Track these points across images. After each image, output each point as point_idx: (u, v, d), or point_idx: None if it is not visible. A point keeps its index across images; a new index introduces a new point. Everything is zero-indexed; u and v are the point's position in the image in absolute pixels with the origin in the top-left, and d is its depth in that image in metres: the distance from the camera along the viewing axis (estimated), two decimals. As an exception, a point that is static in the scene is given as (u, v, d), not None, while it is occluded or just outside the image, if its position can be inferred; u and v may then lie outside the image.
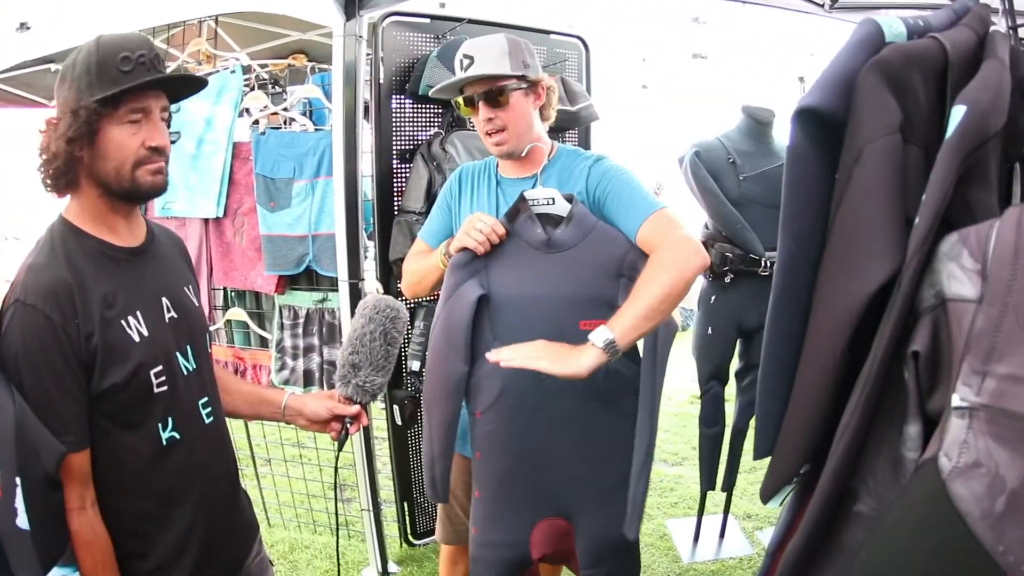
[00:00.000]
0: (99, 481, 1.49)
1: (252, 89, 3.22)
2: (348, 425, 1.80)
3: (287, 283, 3.21)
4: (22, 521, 1.38)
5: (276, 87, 3.33)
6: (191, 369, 1.60)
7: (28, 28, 3.55)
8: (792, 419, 1.04)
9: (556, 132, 2.98)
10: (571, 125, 3.12)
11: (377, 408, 3.27)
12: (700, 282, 3.08)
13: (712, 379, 3.07)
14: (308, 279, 3.21)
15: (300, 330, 3.20)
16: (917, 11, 1.27)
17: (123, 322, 1.46)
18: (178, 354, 1.57)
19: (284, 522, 3.60)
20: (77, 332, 1.40)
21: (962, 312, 0.85)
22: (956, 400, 0.85)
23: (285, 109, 3.14)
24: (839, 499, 1.03)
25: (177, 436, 1.56)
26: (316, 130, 3.10)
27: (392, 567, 3.28)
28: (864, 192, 0.90)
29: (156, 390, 1.51)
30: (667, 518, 3.74)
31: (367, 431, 3.00)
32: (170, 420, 1.55)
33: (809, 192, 1.01)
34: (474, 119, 1.96)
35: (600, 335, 1.63)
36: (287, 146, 3.05)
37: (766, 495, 1.17)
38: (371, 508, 3.12)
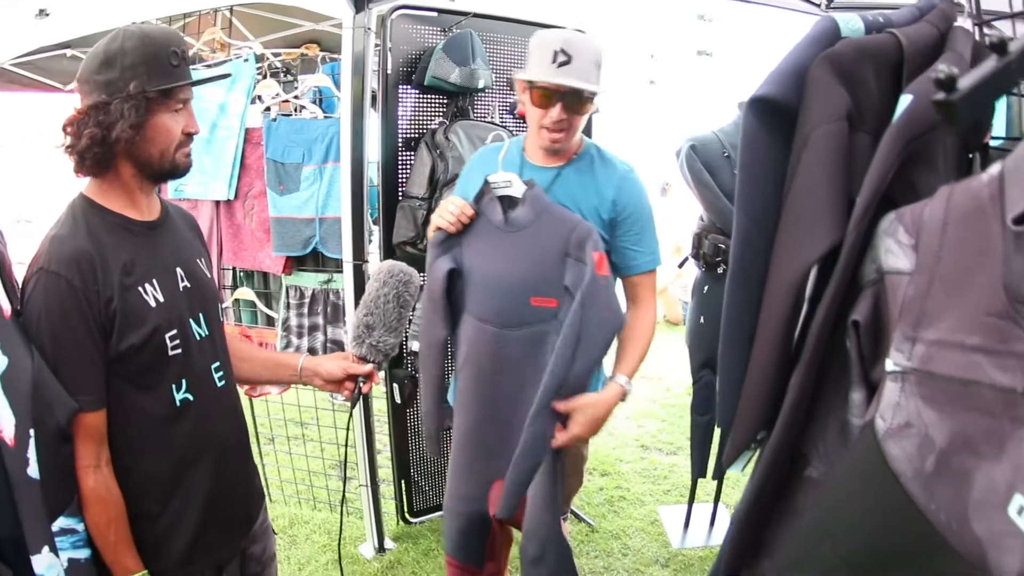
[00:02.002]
0: (115, 441, 1.56)
1: (264, 77, 3.29)
2: (361, 384, 1.86)
3: (294, 264, 3.28)
4: (33, 471, 1.43)
5: (288, 75, 3.40)
6: (204, 335, 1.67)
7: (47, 14, 3.54)
8: (748, 387, 1.11)
9: None
10: None
11: (378, 390, 3.33)
12: (694, 272, 3.14)
13: (704, 367, 3.10)
14: (314, 260, 3.27)
15: (305, 309, 3.26)
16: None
17: (140, 288, 1.54)
18: (191, 321, 1.64)
19: (285, 498, 3.66)
20: (97, 297, 1.47)
21: (897, 284, 0.90)
22: (890, 365, 0.90)
23: (296, 97, 3.20)
24: (791, 463, 1.11)
25: (191, 398, 1.63)
26: (325, 117, 3.16)
27: (388, 543, 3.34)
28: (810, 174, 0.97)
29: (171, 352, 1.58)
30: (659, 504, 3.79)
31: (368, 410, 3.08)
32: (184, 382, 1.62)
33: (763, 175, 1.08)
34: (535, 108, 1.97)
35: (620, 380, 2.00)
36: (297, 132, 3.11)
37: (727, 460, 1.24)
38: (369, 485, 3.18)
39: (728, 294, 1.15)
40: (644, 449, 4.59)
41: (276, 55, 3.35)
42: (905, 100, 0.96)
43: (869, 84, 1.01)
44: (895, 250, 0.91)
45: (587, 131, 3.35)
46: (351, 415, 1.95)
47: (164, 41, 1.52)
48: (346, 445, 1.91)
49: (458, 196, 2.12)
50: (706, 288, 3.02)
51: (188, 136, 1.60)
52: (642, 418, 5.09)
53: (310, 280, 3.27)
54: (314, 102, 3.24)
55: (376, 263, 2.95)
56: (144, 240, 1.60)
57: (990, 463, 0.74)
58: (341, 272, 3.07)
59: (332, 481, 3.72)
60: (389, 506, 3.51)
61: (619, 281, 2.10)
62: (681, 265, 3.54)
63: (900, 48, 1.06)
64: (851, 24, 1.08)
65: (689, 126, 3.22)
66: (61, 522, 1.51)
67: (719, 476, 3.34)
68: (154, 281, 1.57)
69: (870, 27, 1.11)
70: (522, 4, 3.53)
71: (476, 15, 3.10)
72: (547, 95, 1.92)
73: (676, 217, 6.90)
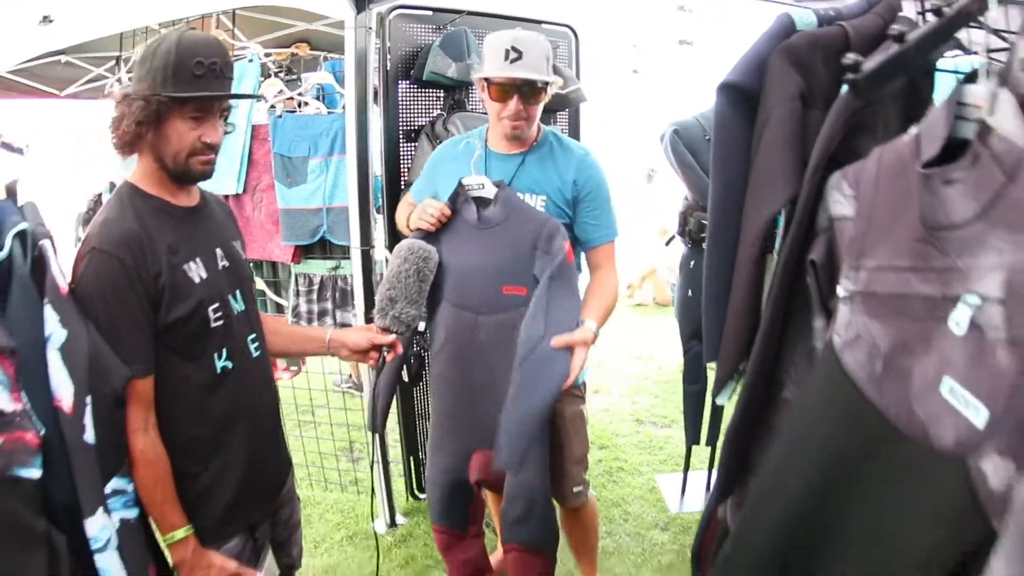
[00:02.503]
0: (161, 407, 1.66)
1: (268, 77, 3.45)
2: (385, 353, 2.01)
3: (302, 253, 3.42)
4: (89, 436, 1.53)
5: (290, 74, 3.55)
6: (240, 310, 1.79)
7: (51, 21, 3.54)
8: (728, 325, 1.30)
9: (547, 112, 3.07)
10: (561, 107, 3.30)
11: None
12: (681, 249, 3.31)
13: (693, 339, 3.24)
14: (322, 249, 3.41)
15: (315, 296, 3.42)
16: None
17: (185, 267, 1.65)
18: (230, 296, 1.76)
19: (298, 480, 3.77)
20: (147, 273, 1.58)
21: (843, 228, 1.09)
22: (841, 291, 1.08)
23: (300, 94, 3.35)
24: (768, 389, 1.29)
25: (230, 366, 1.74)
26: (329, 113, 3.31)
27: (400, 519, 3.47)
28: (770, 144, 1.15)
29: (213, 324, 1.69)
30: (656, 473, 3.95)
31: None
32: (224, 351, 1.73)
33: (733, 148, 1.26)
34: (493, 102, 2.15)
35: (589, 325, 2.07)
36: (303, 127, 3.27)
37: (715, 392, 1.43)
38: (381, 462, 3.31)
39: (707, 251, 1.34)
40: (639, 423, 4.74)
41: (267, 55, 3.49)
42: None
43: (819, 70, 1.19)
44: (841, 201, 1.09)
45: (576, 120, 3.56)
46: (379, 374, 2.13)
47: (191, 51, 1.58)
48: (374, 427, 2.15)
49: (428, 191, 2.33)
50: (692, 263, 3.16)
51: (207, 146, 1.65)
52: (636, 395, 5.25)
53: (318, 267, 3.42)
54: (317, 98, 3.39)
55: (382, 249, 3.11)
56: (185, 223, 1.71)
57: (923, 357, 0.91)
58: (348, 259, 3.20)
59: (342, 463, 3.86)
60: (399, 484, 3.62)
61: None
62: (668, 243, 3.69)
63: (847, 38, 1.25)
64: (805, 18, 1.27)
65: (672, 113, 3.33)
66: (114, 483, 1.61)
67: (712, 442, 3.47)
68: (197, 260, 1.68)
69: (822, 20, 1.29)
70: (511, 1, 3.64)
71: (469, 13, 3.22)
72: (503, 89, 2.10)
73: (661, 202, 7.07)
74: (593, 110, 3.83)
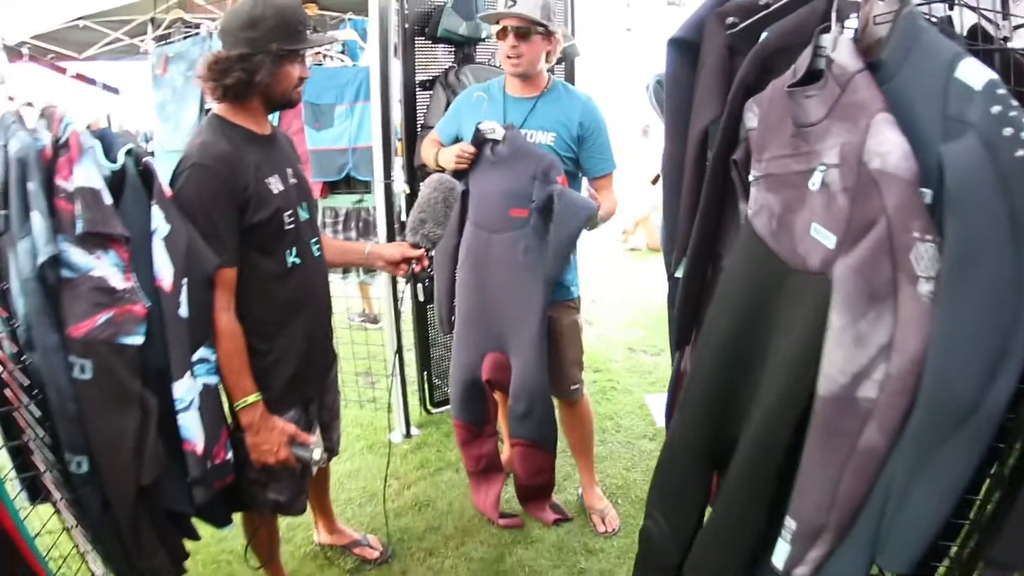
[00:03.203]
0: (241, 293, 1.95)
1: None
2: (414, 265, 2.34)
3: (328, 189, 3.82)
4: (183, 311, 1.80)
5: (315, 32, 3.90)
6: (305, 218, 2.10)
7: None
8: (681, 214, 1.71)
9: None
10: (557, 60, 3.56)
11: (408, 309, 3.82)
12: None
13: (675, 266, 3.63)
14: (346, 184, 3.80)
15: (340, 227, 3.84)
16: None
17: (266, 180, 1.96)
18: (298, 206, 2.06)
19: None
20: (237, 184, 1.88)
21: (752, 136, 1.47)
22: (750, 177, 1.48)
23: (327, 50, 3.73)
24: (712, 264, 1.69)
25: (298, 261, 2.06)
26: (353, 65, 3.69)
27: (415, 431, 3.82)
28: (704, 81, 1.55)
29: (286, 227, 2.00)
30: (645, 394, 4.31)
31: (397, 312, 3.53)
32: (294, 249, 2.04)
33: (681, 87, 1.66)
34: (500, 43, 2.56)
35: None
36: (330, 78, 3.65)
37: (671, 269, 1.84)
38: (398, 375, 3.65)
39: (663, 161, 1.76)
40: (631, 351, 5.10)
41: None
42: (763, 35, 1.55)
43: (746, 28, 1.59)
44: (751, 117, 1.49)
45: (571, 73, 3.90)
46: (409, 284, 2.55)
47: (293, 15, 1.94)
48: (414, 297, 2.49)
49: (452, 130, 2.79)
50: (672, 198, 3.55)
51: (301, 80, 2.02)
52: (629, 327, 5.62)
53: (343, 201, 3.82)
54: (342, 52, 3.78)
55: (400, 183, 3.49)
56: (263, 147, 2.01)
57: (800, 213, 1.33)
58: (370, 192, 3.60)
59: (361, 385, 4.21)
60: (413, 399, 3.94)
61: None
62: (654, 182, 4.05)
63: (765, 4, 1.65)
64: None
65: (662, 68, 3.67)
66: (200, 352, 1.88)
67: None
68: (275, 176, 1.99)
69: None
70: None
71: None
72: (503, 29, 2.53)
73: (655, 154, 7.38)
74: (590, 66, 4.09)
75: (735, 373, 1.51)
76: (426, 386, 3.99)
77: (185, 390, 1.81)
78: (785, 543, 1.34)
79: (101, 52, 5.40)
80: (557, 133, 2.59)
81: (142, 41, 4.86)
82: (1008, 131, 1.03)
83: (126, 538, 1.78)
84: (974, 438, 1.12)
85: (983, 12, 1.47)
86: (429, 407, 4.01)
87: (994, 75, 1.07)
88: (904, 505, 1.18)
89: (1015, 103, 1.05)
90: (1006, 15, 1.54)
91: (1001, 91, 1.05)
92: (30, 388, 1.72)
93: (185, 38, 4.35)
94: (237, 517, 2.26)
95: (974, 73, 1.08)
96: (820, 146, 1.28)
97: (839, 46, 1.26)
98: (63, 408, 1.68)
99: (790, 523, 1.33)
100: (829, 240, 1.25)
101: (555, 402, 2.85)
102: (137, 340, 1.70)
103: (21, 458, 1.82)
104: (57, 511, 1.94)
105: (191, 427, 1.82)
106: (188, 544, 2.03)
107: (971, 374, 1.08)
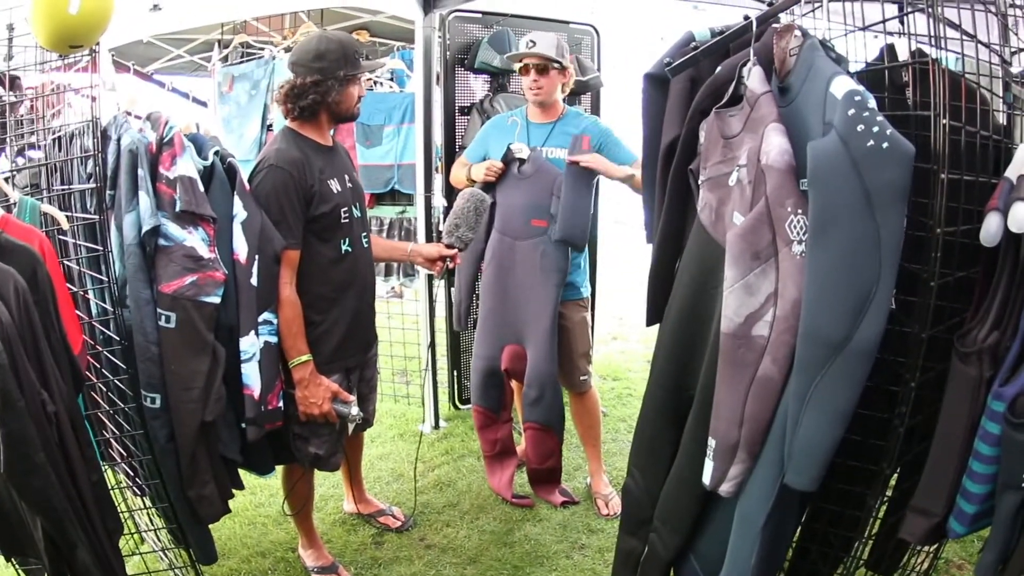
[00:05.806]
0: (302, 272, 2.27)
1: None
2: (448, 262, 2.71)
3: (375, 200, 4.18)
4: (254, 280, 2.12)
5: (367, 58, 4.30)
6: (358, 215, 2.43)
7: (160, 9, 4.01)
8: (654, 212, 2.05)
9: (574, 96, 3.78)
10: (583, 90, 3.93)
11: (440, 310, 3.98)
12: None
13: None
14: (391, 197, 4.17)
15: (384, 234, 4.19)
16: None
17: (328, 182, 2.30)
18: (352, 205, 2.39)
19: None
20: (304, 183, 2.22)
21: (702, 149, 1.77)
22: (700, 180, 1.77)
23: (378, 76, 4.14)
24: (678, 250, 1.97)
25: (350, 249, 2.38)
26: (400, 91, 4.08)
27: (443, 424, 4.10)
28: (671, 107, 1.89)
29: (342, 221, 2.33)
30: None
31: (431, 315, 3.80)
32: (348, 239, 2.37)
33: (653, 112, 1.99)
34: (523, 77, 2.96)
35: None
36: (379, 102, 4.05)
37: (648, 237, 2.12)
38: (431, 369, 3.85)
39: (642, 173, 2.11)
40: (648, 363, 5.15)
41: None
42: (717, 69, 1.85)
43: (703, 64, 1.86)
44: (702, 136, 1.80)
45: (596, 103, 4.21)
46: (443, 277, 2.89)
47: (351, 44, 2.32)
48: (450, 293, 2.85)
49: (480, 153, 3.12)
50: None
51: (360, 97, 2.38)
52: (650, 342, 5.43)
53: (388, 211, 4.20)
54: (390, 79, 4.19)
55: (439, 197, 3.86)
56: (326, 155, 2.36)
57: (727, 205, 1.64)
58: (412, 205, 3.94)
59: (396, 385, 4.51)
60: (443, 395, 4.20)
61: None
62: None
63: (727, 49, 1.98)
64: (701, 34, 1.98)
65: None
66: (265, 315, 2.18)
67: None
68: (335, 179, 2.34)
69: (714, 33, 2.02)
70: (546, 5, 4.33)
71: (511, 16, 3.93)
72: (524, 66, 2.93)
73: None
74: (627, 101, 4.32)
75: (689, 338, 1.81)
76: (456, 384, 4.29)
77: (250, 344, 2.11)
78: (710, 460, 1.65)
79: (162, 67, 5.68)
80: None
81: (207, 60, 5.20)
82: (860, 127, 1.34)
83: (184, 467, 2.08)
84: (850, 368, 1.41)
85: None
86: (458, 403, 4.29)
87: (855, 86, 1.40)
88: (798, 428, 1.46)
89: (871, 107, 1.36)
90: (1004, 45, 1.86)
91: (858, 98, 1.37)
92: (108, 341, 2.06)
93: (244, 60, 4.73)
94: (276, 483, 2.58)
95: (840, 86, 1.41)
96: (738, 152, 1.63)
97: (751, 75, 1.63)
98: (146, 351, 2.01)
99: (711, 442, 1.64)
100: (740, 221, 1.59)
101: (566, 395, 3.18)
102: (215, 300, 2.03)
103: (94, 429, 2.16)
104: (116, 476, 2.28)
105: (251, 375, 2.13)
106: (231, 504, 2.33)
107: (837, 313, 1.39)
